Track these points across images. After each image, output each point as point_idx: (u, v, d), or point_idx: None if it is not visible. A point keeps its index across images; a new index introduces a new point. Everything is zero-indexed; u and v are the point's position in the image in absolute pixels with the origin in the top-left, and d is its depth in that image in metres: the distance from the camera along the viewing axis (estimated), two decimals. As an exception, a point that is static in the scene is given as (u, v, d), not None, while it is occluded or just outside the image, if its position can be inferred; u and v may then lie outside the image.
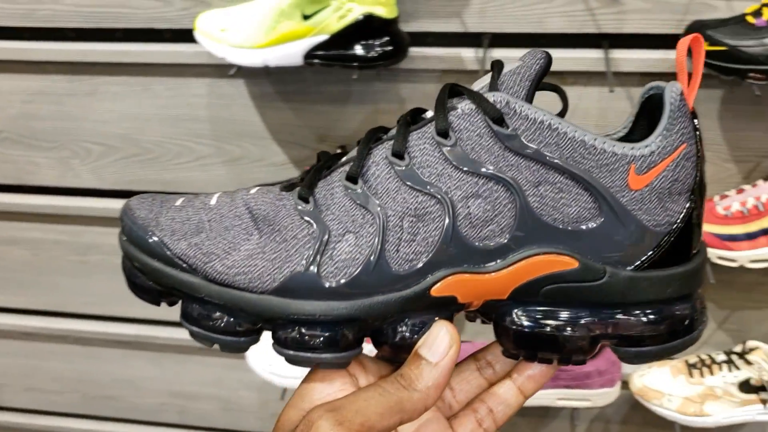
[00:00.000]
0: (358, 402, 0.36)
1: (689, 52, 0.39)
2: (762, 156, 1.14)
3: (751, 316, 1.27)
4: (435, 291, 0.38)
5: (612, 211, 0.37)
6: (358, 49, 1.00)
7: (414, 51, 1.08)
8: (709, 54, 0.94)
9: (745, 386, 1.17)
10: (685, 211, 0.39)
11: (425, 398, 0.36)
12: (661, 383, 1.20)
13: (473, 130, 0.38)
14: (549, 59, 0.39)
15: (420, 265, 0.38)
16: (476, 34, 1.09)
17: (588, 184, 0.37)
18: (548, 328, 0.38)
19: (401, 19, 1.08)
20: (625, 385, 1.23)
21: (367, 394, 0.36)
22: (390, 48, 1.01)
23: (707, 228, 1.09)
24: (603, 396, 1.19)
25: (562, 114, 0.40)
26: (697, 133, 0.40)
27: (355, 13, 0.98)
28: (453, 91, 0.40)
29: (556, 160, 0.37)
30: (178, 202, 0.41)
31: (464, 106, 0.38)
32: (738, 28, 0.94)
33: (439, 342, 0.37)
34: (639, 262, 0.38)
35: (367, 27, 0.99)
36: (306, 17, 0.98)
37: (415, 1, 1.08)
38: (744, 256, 1.08)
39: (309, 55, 1.00)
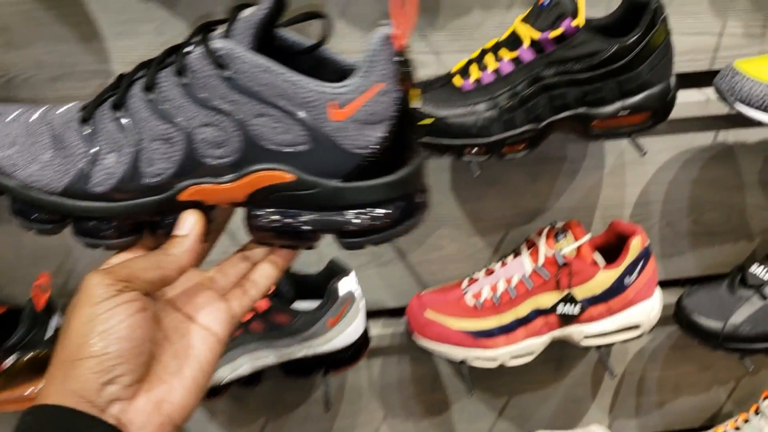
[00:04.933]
0: (126, 262, 0.46)
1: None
2: (508, 224, 0.96)
3: (531, 399, 1.10)
4: (181, 197, 0.48)
5: (317, 138, 0.46)
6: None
7: None
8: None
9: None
10: (383, 136, 0.46)
11: (179, 260, 0.47)
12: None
13: (204, 71, 0.46)
14: (278, 4, 0.47)
15: (166, 177, 0.47)
16: None
17: (297, 116, 0.45)
18: (278, 224, 0.48)
19: None
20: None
21: (135, 257, 0.47)
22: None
23: (458, 324, 0.90)
24: None
25: (322, 41, 0.49)
26: (404, 69, 0.45)
27: None
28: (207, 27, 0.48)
29: (270, 97, 0.45)
30: (11, 117, 0.51)
31: (197, 51, 0.46)
32: (444, 94, 0.74)
33: (186, 221, 0.48)
34: (344, 175, 0.47)
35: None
36: None
37: None
38: (503, 353, 0.90)
39: None
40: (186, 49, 0.46)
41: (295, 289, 0.87)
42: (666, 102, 0.75)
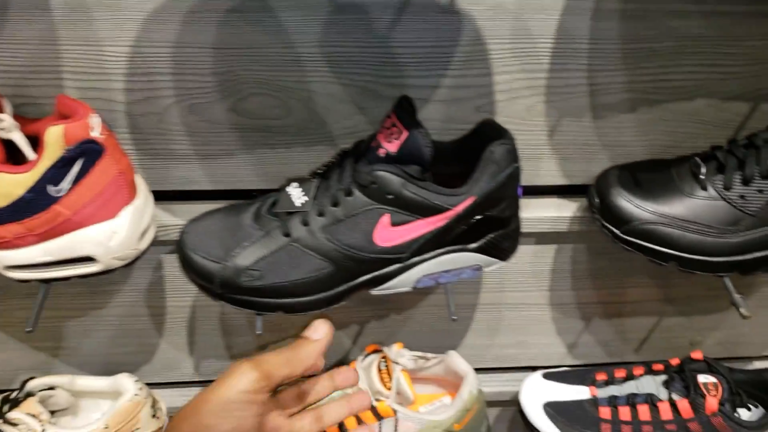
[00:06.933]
0: (265, 356, 0.55)
1: None
2: None
3: None
4: None
5: None
6: None
7: None
8: None
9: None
10: None
11: (306, 361, 0.56)
12: None
13: None
14: None
15: None
16: None
17: None
18: None
19: None
20: None
21: (272, 353, 0.56)
22: None
23: None
24: None
25: None
26: None
27: None
28: None
29: None
30: None
31: None
32: None
33: (320, 327, 0.58)
34: None
35: None
36: None
37: None
38: None
39: None
40: None
41: None
42: None
